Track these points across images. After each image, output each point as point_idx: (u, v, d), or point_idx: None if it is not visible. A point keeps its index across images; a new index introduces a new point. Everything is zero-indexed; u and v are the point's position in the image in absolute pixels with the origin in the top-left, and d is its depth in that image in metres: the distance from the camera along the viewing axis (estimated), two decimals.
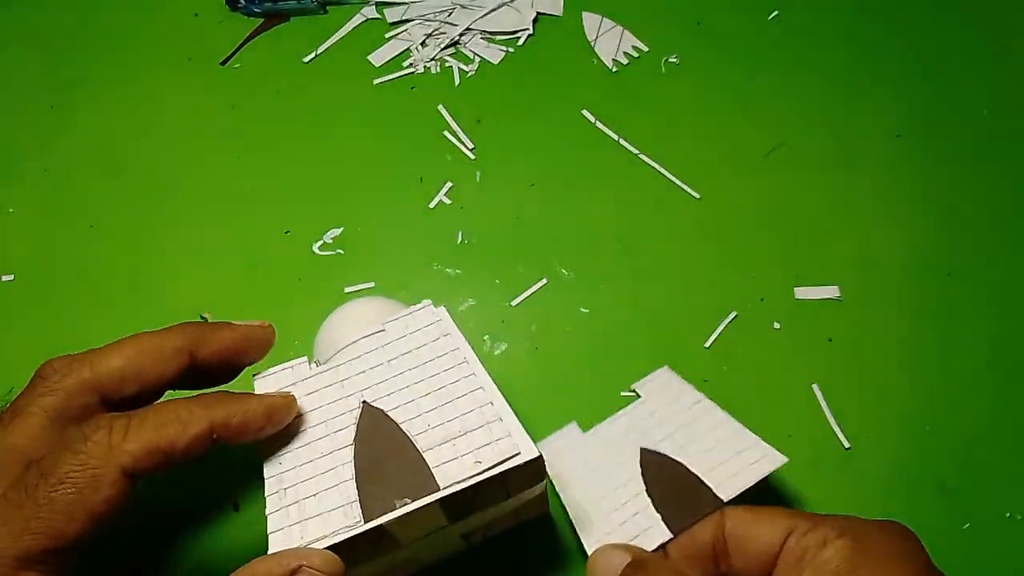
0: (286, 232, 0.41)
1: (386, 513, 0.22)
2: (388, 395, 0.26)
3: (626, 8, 0.46)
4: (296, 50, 0.47)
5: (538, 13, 0.46)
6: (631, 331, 0.38)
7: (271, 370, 0.28)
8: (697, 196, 0.41)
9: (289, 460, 0.25)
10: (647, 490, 0.29)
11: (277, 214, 0.42)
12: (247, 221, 0.42)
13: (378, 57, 0.46)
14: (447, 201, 0.42)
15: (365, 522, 0.22)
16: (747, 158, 0.42)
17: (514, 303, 0.39)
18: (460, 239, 0.41)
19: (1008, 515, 0.34)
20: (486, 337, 0.38)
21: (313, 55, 0.46)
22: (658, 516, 0.28)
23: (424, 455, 0.24)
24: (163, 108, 0.46)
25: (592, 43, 0.46)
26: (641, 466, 0.30)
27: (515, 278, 0.40)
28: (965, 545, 0.34)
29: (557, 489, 0.32)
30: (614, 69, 0.45)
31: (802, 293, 0.38)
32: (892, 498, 0.34)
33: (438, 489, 0.23)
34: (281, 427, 0.25)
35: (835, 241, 0.40)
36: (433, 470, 0.23)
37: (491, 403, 0.25)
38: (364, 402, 0.26)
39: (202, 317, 0.40)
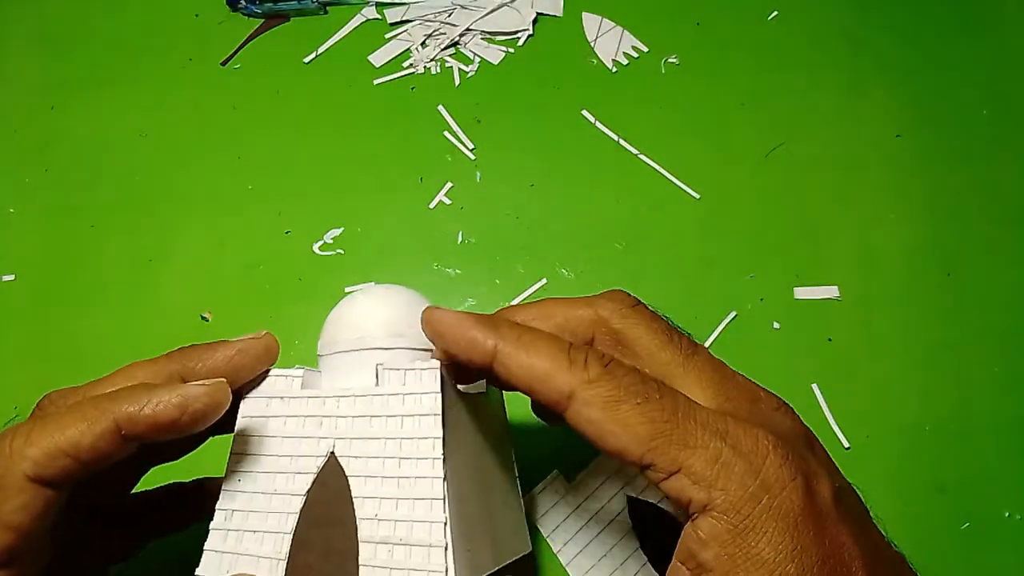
0: (286, 232, 0.42)
1: None
2: (357, 457, 0.24)
3: (626, 8, 0.46)
4: (296, 50, 0.47)
5: (538, 13, 0.46)
6: None
7: (272, 371, 0.27)
8: (697, 196, 0.41)
9: (248, 483, 0.25)
10: (641, 547, 0.30)
11: (277, 214, 0.42)
12: (247, 221, 0.42)
13: (378, 57, 0.46)
14: (447, 201, 0.42)
15: None
16: (747, 158, 0.42)
17: (514, 303, 0.39)
18: (460, 239, 0.41)
19: (1007, 515, 0.34)
20: None
21: (313, 55, 0.47)
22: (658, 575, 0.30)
23: (360, 545, 0.23)
24: (163, 108, 0.46)
25: (592, 43, 0.46)
26: (631, 519, 0.31)
27: (515, 278, 0.40)
28: (964, 545, 0.34)
29: (555, 550, 0.33)
30: (614, 69, 0.45)
31: (802, 293, 0.38)
32: (892, 498, 0.34)
33: None
34: (208, 424, 0.23)
35: (835, 241, 0.40)
36: (360, 566, 0.22)
37: (444, 522, 0.22)
38: (332, 454, 0.24)
39: (202, 317, 0.40)
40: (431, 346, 0.26)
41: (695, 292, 0.39)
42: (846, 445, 0.35)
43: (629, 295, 0.26)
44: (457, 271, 0.40)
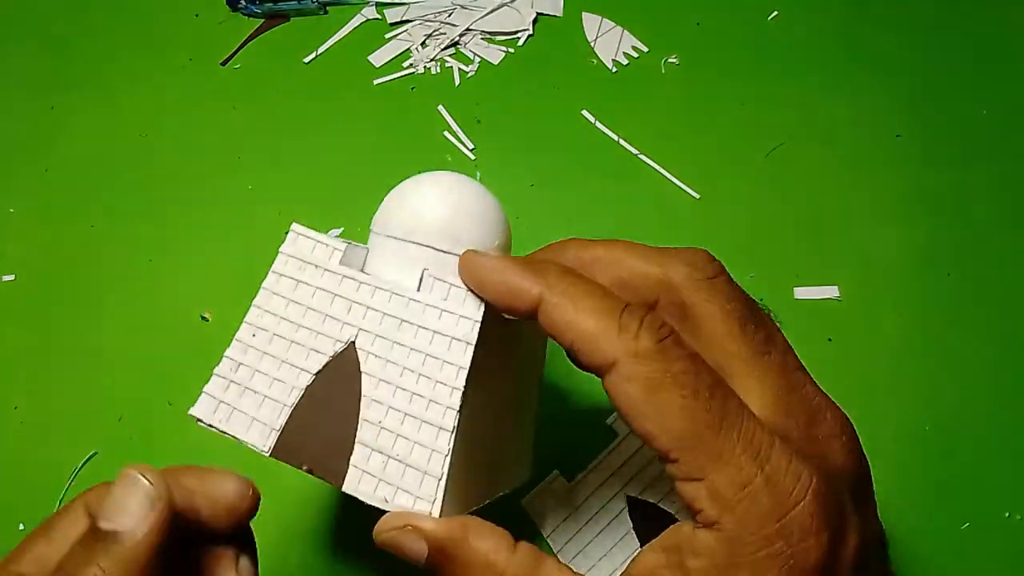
0: (286, 232, 0.41)
1: (288, 461, 0.23)
2: (377, 356, 0.23)
3: (626, 8, 0.46)
4: (297, 51, 0.47)
5: (538, 14, 0.46)
6: None
7: (310, 233, 0.26)
8: (697, 196, 0.41)
9: (262, 341, 0.24)
10: (642, 547, 0.30)
11: (277, 214, 0.42)
12: (247, 221, 0.42)
13: (378, 57, 0.46)
14: None
15: (269, 455, 0.23)
16: (747, 158, 0.42)
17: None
18: None
19: (1007, 515, 0.34)
20: None
21: (313, 55, 0.47)
22: None
23: (356, 445, 0.22)
24: (164, 108, 0.46)
25: (592, 43, 0.46)
26: (632, 519, 0.31)
27: None
28: (964, 545, 0.34)
29: (555, 550, 0.32)
30: (614, 69, 0.45)
31: (802, 293, 0.38)
32: (892, 497, 0.34)
33: (340, 484, 0.22)
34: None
35: (835, 241, 0.40)
36: (351, 466, 0.22)
37: (446, 454, 0.22)
38: (352, 344, 0.23)
39: (203, 317, 0.40)
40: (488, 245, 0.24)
41: None
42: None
43: (712, 260, 0.22)
44: None
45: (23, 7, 0.50)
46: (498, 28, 0.46)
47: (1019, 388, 0.36)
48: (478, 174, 0.43)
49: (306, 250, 0.25)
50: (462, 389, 0.22)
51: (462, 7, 0.47)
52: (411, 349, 0.23)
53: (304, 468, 0.23)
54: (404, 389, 0.22)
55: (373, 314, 0.23)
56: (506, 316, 0.23)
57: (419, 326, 0.23)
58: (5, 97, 0.47)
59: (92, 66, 0.47)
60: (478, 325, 0.22)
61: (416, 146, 0.44)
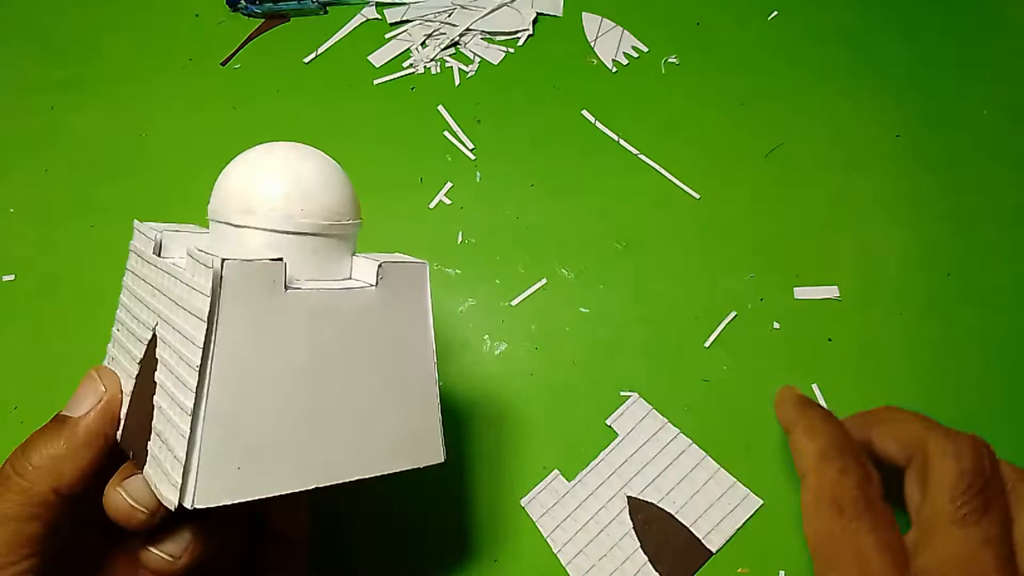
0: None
1: (123, 447, 0.24)
2: (163, 341, 0.23)
3: (626, 8, 0.46)
4: (296, 51, 0.47)
5: (538, 13, 0.46)
6: (631, 331, 0.38)
7: (143, 227, 0.26)
8: (697, 196, 0.41)
9: (118, 333, 0.26)
10: (642, 547, 0.31)
11: None
12: None
13: (378, 57, 0.46)
14: (447, 201, 0.42)
15: (119, 444, 0.24)
16: (747, 158, 0.42)
17: (514, 303, 0.39)
18: (460, 239, 0.41)
19: None
20: (486, 337, 0.38)
21: (313, 55, 0.47)
22: (657, 575, 0.31)
23: (151, 431, 0.22)
24: (164, 108, 0.46)
25: (592, 43, 0.46)
26: (631, 519, 0.32)
27: (515, 278, 0.40)
28: None
29: (555, 551, 0.32)
30: (614, 69, 0.45)
31: (802, 293, 0.38)
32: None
33: (142, 470, 0.23)
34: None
35: (835, 241, 0.40)
36: (148, 451, 0.22)
37: (185, 433, 0.20)
38: (154, 329, 0.23)
39: None
40: (291, 227, 0.23)
41: (695, 292, 0.39)
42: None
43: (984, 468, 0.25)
44: (457, 271, 0.40)
45: (23, 7, 0.50)
46: (498, 28, 0.46)
47: (1018, 388, 0.36)
48: (478, 174, 0.43)
49: (138, 243, 0.26)
50: (197, 367, 0.21)
51: (462, 7, 0.47)
52: (177, 331, 0.22)
53: (130, 455, 0.23)
54: (171, 371, 0.22)
55: (163, 298, 0.23)
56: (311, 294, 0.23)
57: (180, 305, 0.22)
58: (5, 97, 0.47)
59: (92, 66, 0.47)
60: (208, 298, 0.21)
61: (416, 146, 0.44)
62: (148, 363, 0.23)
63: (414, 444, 0.25)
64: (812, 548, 0.25)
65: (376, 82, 0.45)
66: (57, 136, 0.45)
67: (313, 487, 0.23)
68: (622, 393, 0.36)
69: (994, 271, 0.39)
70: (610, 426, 0.35)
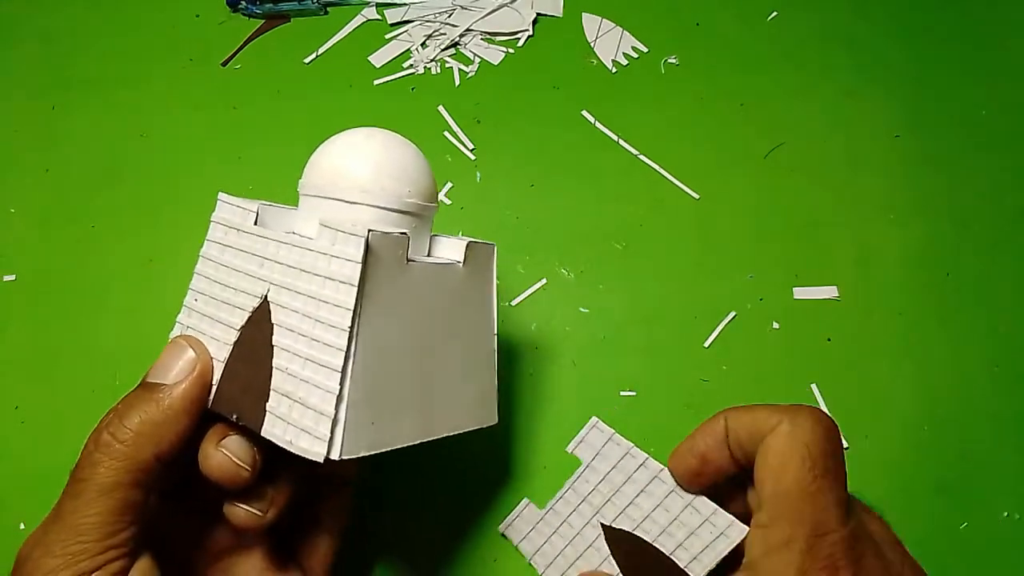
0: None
1: (221, 410, 0.24)
2: (282, 307, 0.24)
3: (626, 9, 0.46)
4: (297, 51, 0.47)
5: (538, 14, 0.46)
6: (631, 331, 0.38)
7: (232, 200, 0.27)
8: (696, 196, 0.41)
9: (202, 303, 0.26)
10: (623, 574, 0.30)
11: None
12: None
13: (379, 58, 0.46)
14: (447, 201, 0.42)
15: (210, 408, 0.25)
16: (747, 158, 0.42)
17: (514, 303, 0.39)
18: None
19: (1006, 514, 0.34)
20: None
21: (314, 56, 0.47)
22: None
23: (271, 391, 0.23)
24: (164, 108, 0.46)
25: (592, 44, 0.46)
26: (610, 547, 0.31)
27: (515, 278, 0.40)
28: (963, 544, 0.34)
29: (539, 573, 0.33)
30: (614, 70, 0.45)
31: (801, 293, 0.39)
32: (891, 497, 0.34)
33: (258, 430, 0.23)
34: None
35: (834, 241, 0.40)
36: (267, 410, 0.23)
37: (335, 393, 0.22)
38: (266, 297, 0.25)
39: None
40: (400, 206, 0.26)
41: (695, 292, 0.39)
42: (845, 445, 0.35)
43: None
44: None
45: (23, 7, 0.50)
46: (498, 28, 0.46)
47: (1018, 388, 0.36)
48: (478, 174, 0.43)
49: (229, 215, 0.27)
50: (348, 330, 0.23)
51: (462, 7, 0.47)
52: (308, 296, 0.24)
53: (234, 417, 0.24)
54: (303, 335, 0.23)
55: (278, 267, 0.25)
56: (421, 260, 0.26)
57: (313, 273, 0.24)
58: (5, 97, 0.47)
59: (92, 66, 0.48)
60: (359, 266, 0.23)
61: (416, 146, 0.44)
62: (254, 329, 0.25)
63: (480, 406, 0.29)
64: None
65: (376, 82, 0.46)
66: (57, 136, 0.45)
67: (420, 441, 0.25)
68: (622, 394, 0.36)
69: (994, 271, 0.39)
70: (571, 453, 0.32)
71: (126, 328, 0.40)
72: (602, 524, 0.31)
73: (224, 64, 0.47)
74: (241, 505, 0.25)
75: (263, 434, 0.23)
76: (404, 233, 0.25)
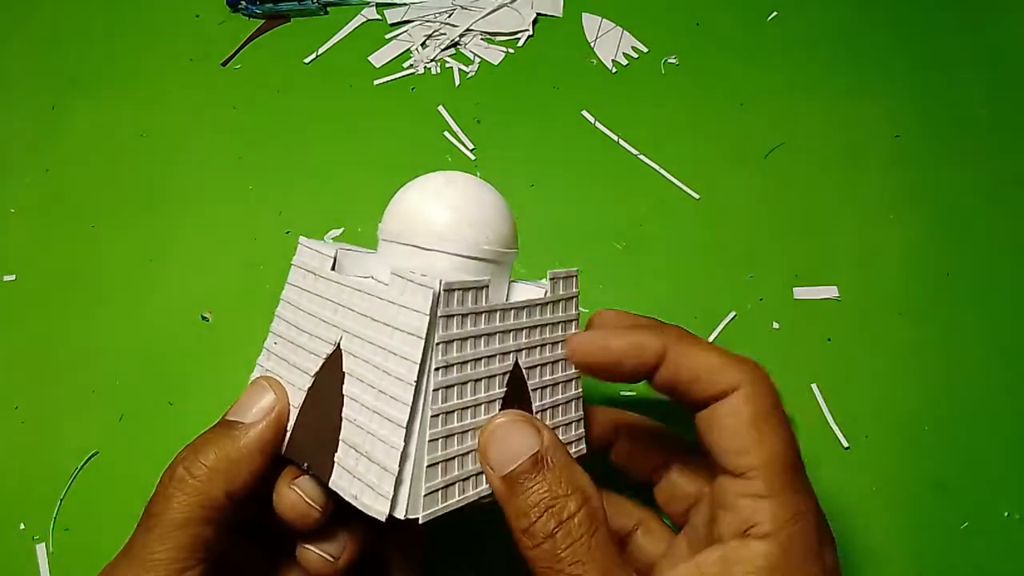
0: (286, 232, 0.42)
1: (293, 458, 0.24)
2: (354, 356, 0.24)
3: (626, 9, 0.46)
4: (297, 51, 0.47)
5: (538, 14, 0.47)
6: None
7: (312, 244, 0.27)
8: (697, 196, 0.41)
9: (280, 347, 0.26)
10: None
11: (277, 214, 0.42)
12: (247, 221, 0.42)
13: (379, 58, 0.46)
14: None
15: (284, 455, 0.25)
16: (747, 158, 0.42)
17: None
18: None
19: (1006, 514, 0.34)
20: None
21: (314, 56, 0.47)
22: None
23: (340, 442, 0.23)
24: (164, 108, 0.46)
25: (592, 44, 0.46)
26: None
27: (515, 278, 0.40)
28: (963, 544, 0.34)
29: None
30: (614, 70, 0.45)
31: (801, 293, 0.39)
32: (891, 497, 0.34)
33: (327, 482, 0.23)
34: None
35: (834, 241, 0.40)
36: (336, 462, 0.23)
37: (399, 449, 0.22)
38: (339, 344, 0.24)
39: (203, 317, 0.40)
40: (478, 253, 0.25)
41: (695, 292, 0.39)
42: (845, 445, 0.35)
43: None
44: None
45: (23, 7, 0.50)
46: (498, 28, 0.46)
47: (1019, 388, 0.36)
48: (478, 174, 0.43)
49: (308, 259, 0.27)
50: (414, 383, 0.22)
51: (462, 7, 0.47)
52: (378, 346, 0.23)
53: (304, 466, 0.24)
54: (371, 386, 0.23)
55: (351, 314, 0.24)
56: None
57: (383, 322, 0.23)
58: (5, 97, 0.47)
59: (92, 66, 0.48)
60: (427, 317, 0.22)
61: (416, 146, 0.44)
62: (327, 377, 0.24)
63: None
64: None
65: (376, 82, 0.46)
66: (57, 136, 0.45)
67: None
68: (622, 393, 0.36)
69: (993, 271, 0.39)
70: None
71: (126, 328, 0.40)
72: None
73: (224, 64, 0.47)
74: (313, 548, 0.24)
75: (331, 486, 0.23)
76: (484, 281, 0.24)
